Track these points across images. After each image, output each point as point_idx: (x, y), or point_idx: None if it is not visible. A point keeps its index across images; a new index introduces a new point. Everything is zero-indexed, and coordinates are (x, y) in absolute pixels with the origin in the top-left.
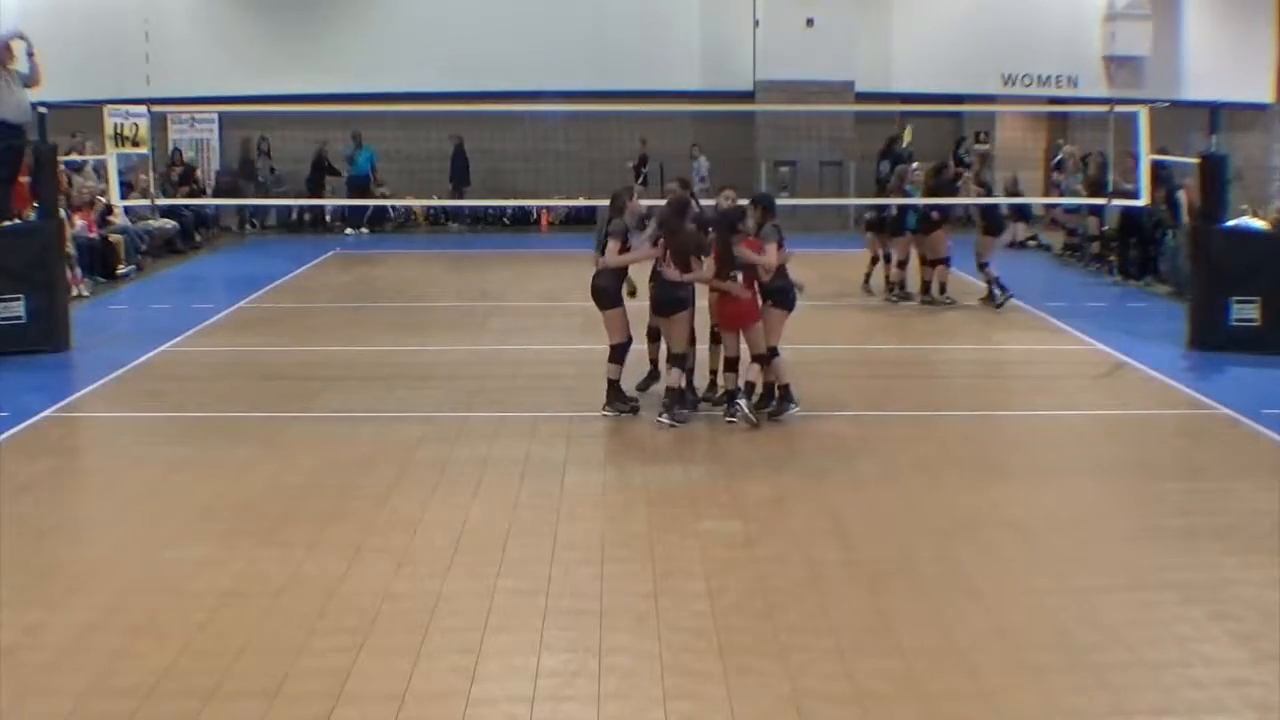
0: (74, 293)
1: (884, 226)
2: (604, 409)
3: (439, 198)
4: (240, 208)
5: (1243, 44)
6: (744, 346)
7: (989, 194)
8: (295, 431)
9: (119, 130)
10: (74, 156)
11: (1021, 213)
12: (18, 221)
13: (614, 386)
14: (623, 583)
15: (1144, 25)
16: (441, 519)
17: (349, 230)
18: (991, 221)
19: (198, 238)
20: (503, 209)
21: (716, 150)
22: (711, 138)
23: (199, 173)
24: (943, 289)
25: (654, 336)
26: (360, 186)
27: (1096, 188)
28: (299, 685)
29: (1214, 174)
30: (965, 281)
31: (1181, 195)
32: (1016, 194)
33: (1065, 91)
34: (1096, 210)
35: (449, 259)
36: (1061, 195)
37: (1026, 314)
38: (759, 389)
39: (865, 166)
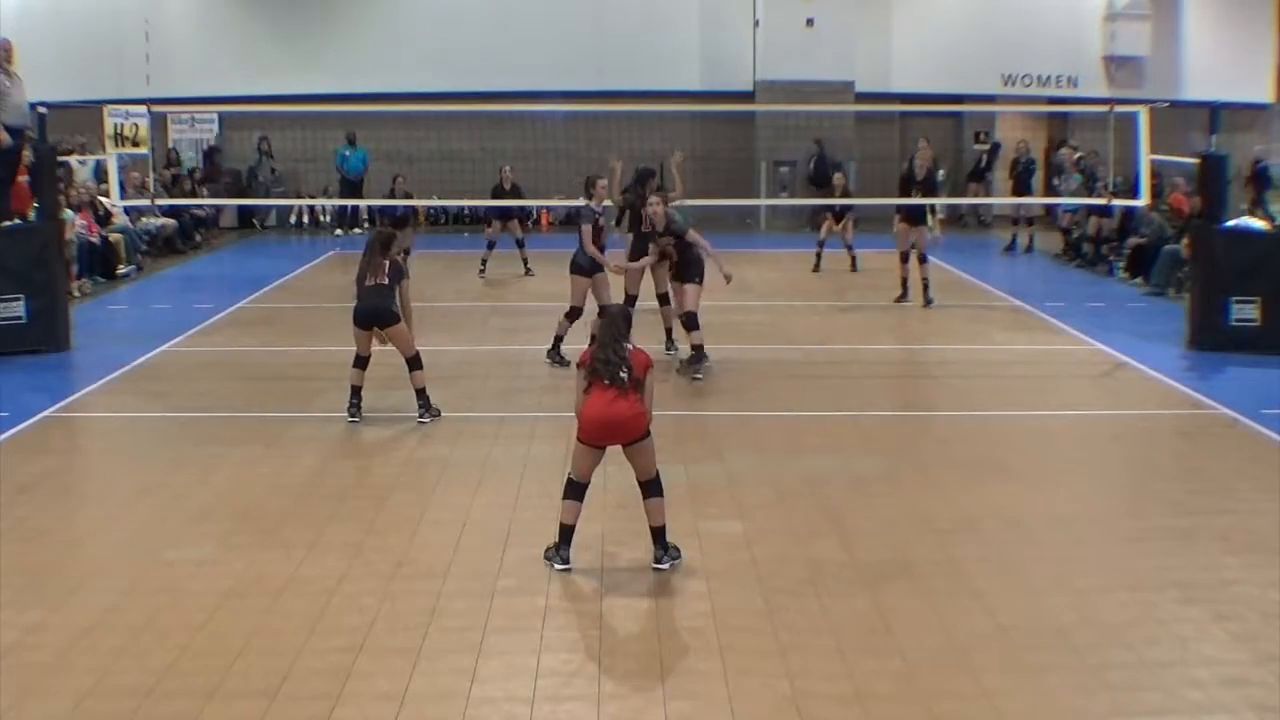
0: (75, 293)
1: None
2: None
3: (439, 198)
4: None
5: (1243, 44)
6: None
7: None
8: (295, 431)
9: (119, 130)
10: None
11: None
12: (18, 221)
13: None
14: (623, 583)
15: (1144, 25)
16: (441, 519)
17: (338, 231)
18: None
19: (198, 238)
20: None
21: (716, 150)
22: (711, 138)
23: (198, 173)
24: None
25: (663, 300)
26: (354, 187)
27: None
28: (299, 685)
29: (1214, 174)
30: (968, 281)
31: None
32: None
33: (1065, 91)
34: (1096, 210)
35: (448, 259)
36: (1059, 197)
37: (1026, 314)
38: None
39: (865, 168)
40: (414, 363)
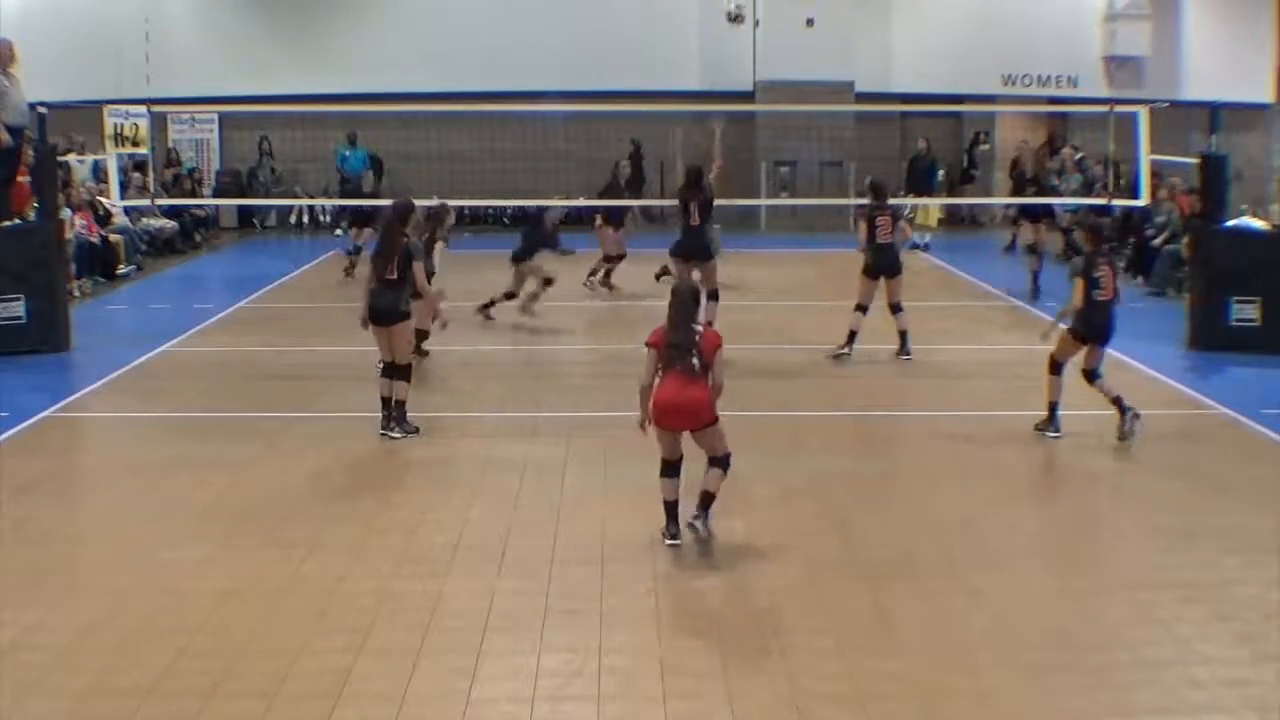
0: (75, 293)
1: None
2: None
3: (437, 197)
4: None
5: (1243, 44)
6: None
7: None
8: (295, 431)
9: (119, 130)
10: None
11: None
12: (18, 221)
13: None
14: (623, 583)
15: (1144, 25)
16: (441, 519)
17: (338, 231)
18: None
19: (198, 238)
20: (503, 209)
21: None
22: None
23: (199, 173)
24: None
25: None
26: (354, 187)
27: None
28: (299, 685)
29: (1214, 174)
30: (967, 281)
31: None
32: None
33: (1065, 91)
34: (1096, 210)
35: (448, 259)
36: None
37: (1027, 314)
38: None
39: (865, 168)
40: (403, 372)
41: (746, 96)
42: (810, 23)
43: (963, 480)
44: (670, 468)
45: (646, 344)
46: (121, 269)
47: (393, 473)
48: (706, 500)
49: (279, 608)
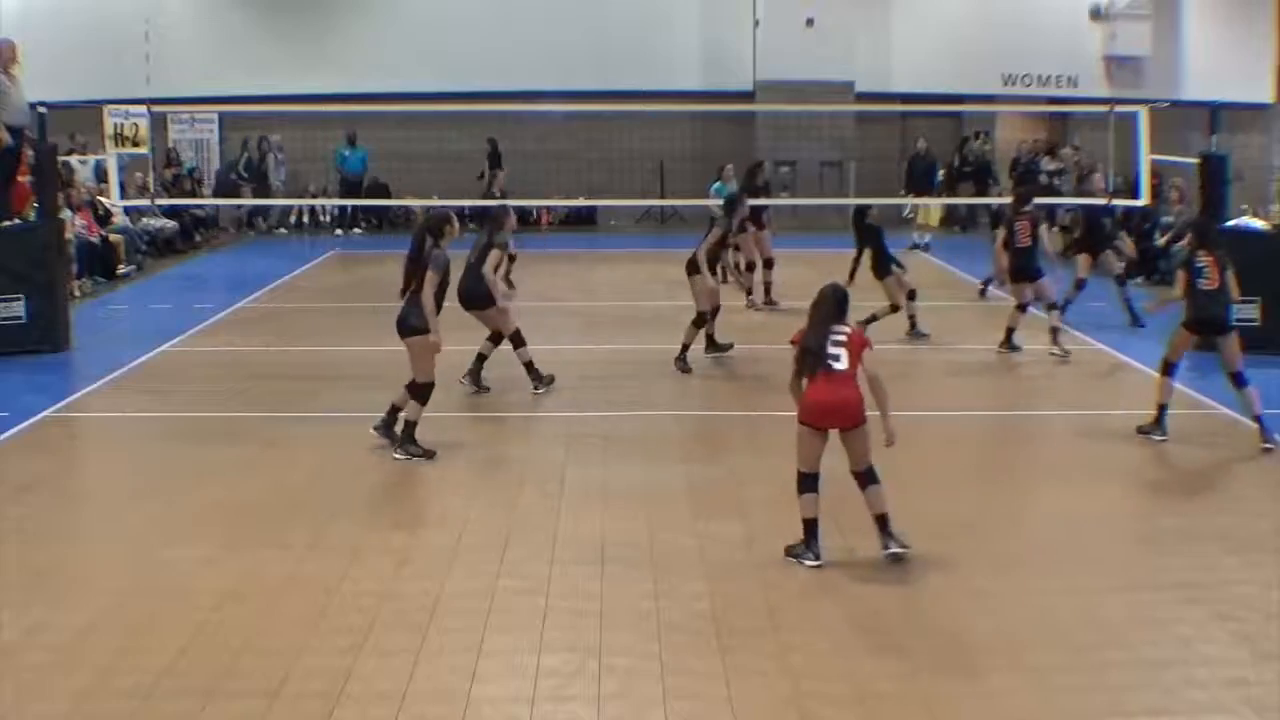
0: (76, 293)
1: None
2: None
3: (438, 198)
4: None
5: (1243, 44)
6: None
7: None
8: (295, 431)
9: (119, 130)
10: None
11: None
12: (18, 221)
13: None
14: (623, 583)
15: (1144, 25)
16: (441, 519)
17: (339, 231)
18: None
19: (197, 238)
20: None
21: (716, 150)
22: (712, 138)
23: (198, 173)
24: None
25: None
26: (354, 187)
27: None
28: (299, 685)
29: (1214, 174)
30: (967, 281)
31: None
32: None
33: (1065, 91)
34: (1099, 211)
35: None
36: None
37: (1026, 314)
38: None
39: (865, 168)
40: (414, 389)
41: (746, 96)
42: (810, 23)
43: (963, 480)
44: (810, 481)
45: (791, 342)
46: (121, 269)
47: (393, 473)
48: (884, 522)
49: (279, 608)
